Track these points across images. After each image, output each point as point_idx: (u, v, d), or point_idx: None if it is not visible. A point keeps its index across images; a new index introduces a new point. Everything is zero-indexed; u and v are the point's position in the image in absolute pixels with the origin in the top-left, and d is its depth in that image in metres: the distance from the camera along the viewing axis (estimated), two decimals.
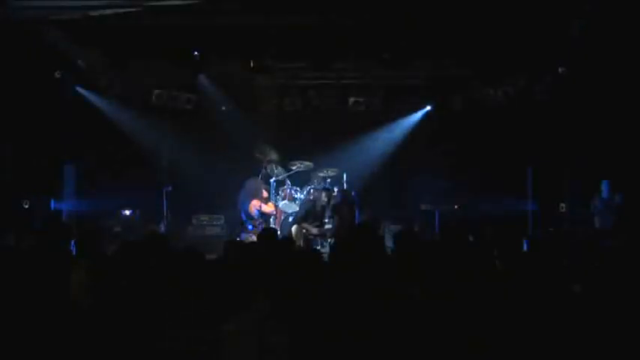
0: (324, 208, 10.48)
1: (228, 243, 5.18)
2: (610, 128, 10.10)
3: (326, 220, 10.48)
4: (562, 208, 10.47)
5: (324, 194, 10.57)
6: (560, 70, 10.21)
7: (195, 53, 9.69)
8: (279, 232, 10.39)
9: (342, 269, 3.62)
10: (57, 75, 10.46)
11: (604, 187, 9.77)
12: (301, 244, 9.98)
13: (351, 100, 12.13)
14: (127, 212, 11.48)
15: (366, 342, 3.00)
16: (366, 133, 12.53)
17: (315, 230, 10.34)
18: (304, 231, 10.25)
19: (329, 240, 10.15)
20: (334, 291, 3.38)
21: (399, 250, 4.64)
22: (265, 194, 11.02)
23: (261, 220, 10.59)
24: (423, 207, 11.73)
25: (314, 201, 10.63)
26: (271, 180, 11.47)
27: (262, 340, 3.08)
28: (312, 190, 10.93)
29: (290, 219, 10.84)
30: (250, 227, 10.48)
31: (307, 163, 11.58)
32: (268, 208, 10.86)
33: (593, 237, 9.10)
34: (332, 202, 10.57)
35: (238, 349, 3.09)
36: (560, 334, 3.23)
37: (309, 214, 10.40)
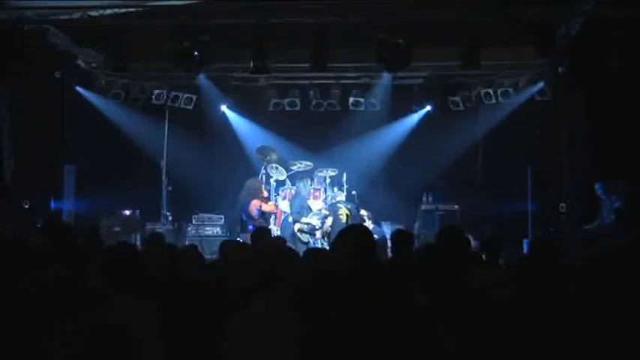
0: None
1: (224, 243, 5.17)
2: (610, 128, 10.09)
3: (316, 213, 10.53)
4: (562, 208, 10.46)
5: (306, 182, 10.67)
6: (560, 70, 10.21)
7: (195, 53, 9.68)
8: (279, 232, 10.46)
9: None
10: (57, 75, 10.46)
11: (598, 188, 9.75)
12: (309, 239, 10.14)
13: (351, 100, 12.14)
14: (127, 212, 11.48)
15: (367, 343, 3.00)
16: (366, 133, 12.53)
17: (314, 221, 10.39)
18: (305, 226, 10.32)
19: (321, 238, 10.25)
20: (336, 292, 3.38)
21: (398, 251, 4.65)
22: (265, 194, 11.02)
23: (261, 220, 10.59)
24: (423, 207, 11.73)
25: (299, 193, 10.69)
26: (271, 180, 11.48)
27: (263, 339, 3.08)
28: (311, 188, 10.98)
29: (290, 219, 10.87)
30: (251, 227, 10.45)
31: (307, 163, 11.58)
32: (269, 207, 10.86)
33: (593, 237, 9.09)
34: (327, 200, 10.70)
35: (239, 347, 3.09)
36: (561, 335, 3.23)
37: (303, 208, 10.48)
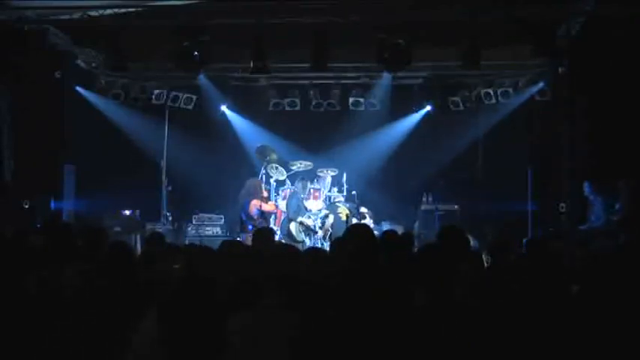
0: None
1: (224, 243, 5.17)
2: (610, 128, 10.09)
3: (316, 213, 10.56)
4: (562, 208, 10.46)
5: (305, 182, 10.74)
6: (560, 70, 10.21)
7: (195, 53, 9.68)
8: (279, 232, 10.48)
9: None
10: (57, 75, 10.46)
11: (586, 187, 9.74)
12: (304, 239, 10.16)
13: (351, 100, 12.14)
14: (127, 212, 11.48)
15: (367, 341, 3.00)
16: (366, 133, 12.53)
17: (310, 222, 10.44)
18: (302, 226, 10.36)
19: (322, 238, 10.30)
20: (337, 292, 3.38)
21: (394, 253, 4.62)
22: (265, 194, 11.04)
23: (261, 220, 10.60)
24: (423, 207, 11.73)
25: (296, 192, 10.72)
26: (271, 180, 11.48)
27: (264, 338, 3.08)
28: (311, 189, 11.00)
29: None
30: (250, 227, 10.47)
31: (307, 163, 11.59)
32: (269, 207, 10.87)
33: (592, 237, 9.09)
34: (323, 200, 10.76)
35: (239, 347, 3.09)
36: (560, 336, 3.23)
37: (300, 207, 10.51)
